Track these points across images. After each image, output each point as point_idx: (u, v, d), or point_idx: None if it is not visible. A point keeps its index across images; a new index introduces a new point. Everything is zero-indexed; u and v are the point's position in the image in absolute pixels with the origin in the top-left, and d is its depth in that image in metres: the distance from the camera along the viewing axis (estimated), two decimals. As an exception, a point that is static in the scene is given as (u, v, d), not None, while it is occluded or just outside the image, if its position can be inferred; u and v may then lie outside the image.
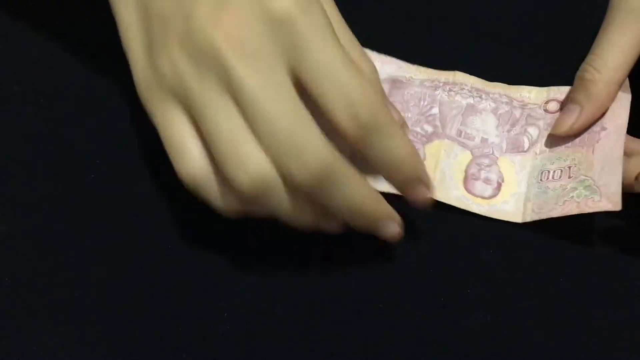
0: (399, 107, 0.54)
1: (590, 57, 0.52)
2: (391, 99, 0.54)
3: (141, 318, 0.49)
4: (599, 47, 0.51)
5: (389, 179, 0.47)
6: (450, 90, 0.55)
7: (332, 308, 0.49)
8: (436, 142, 0.54)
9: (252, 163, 0.43)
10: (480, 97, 0.55)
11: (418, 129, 0.54)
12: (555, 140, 0.53)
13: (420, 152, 0.53)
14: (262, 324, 0.49)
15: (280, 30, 0.43)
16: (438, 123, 0.54)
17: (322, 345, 0.48)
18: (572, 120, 0.51)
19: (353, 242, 0.51)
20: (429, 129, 0.54)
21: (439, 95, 0.55)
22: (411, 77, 0.56)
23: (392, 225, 0.47)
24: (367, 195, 0.45)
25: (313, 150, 0.43)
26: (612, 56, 0.51)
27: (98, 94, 0.56)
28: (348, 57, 0.44)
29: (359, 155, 0.45)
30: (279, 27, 0.43)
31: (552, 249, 0.51)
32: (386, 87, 0.55)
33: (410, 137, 0.54)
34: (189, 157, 0.45)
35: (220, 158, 0.44)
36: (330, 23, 0.44)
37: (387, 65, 0.56)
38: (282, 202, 0.45)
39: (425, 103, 0.55)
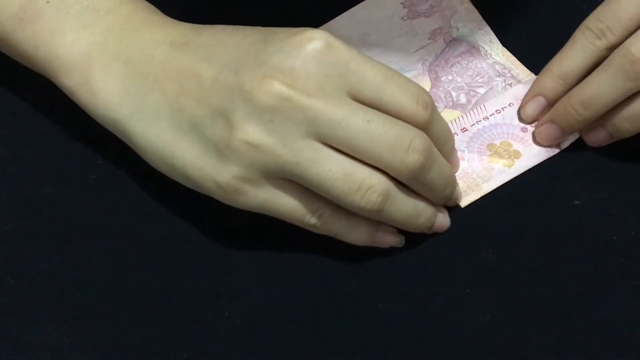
0: (457, 67, 0.56)
1: None
2: (458, 59, 0.56)
3: (141, 318, 0.49)
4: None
5: (434, 200, 0.50)
6: (509, 84, 0.56)
7: (332, 308, 0.49)
8: (455, 112, 0.55)
9: (373, 183, 0.46)
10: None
11: (454, 94, 0.55)
12: None
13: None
14: (262, 324, 0.49)
15: (335, 67, 0.46)
16: (473, 101, 0.55)
17: (322, 345, 0.48)
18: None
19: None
20: (463, 99, 0.55)
21: (496, 82, 0.56)
22: (490, 54, 0.57)
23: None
24: (449, 166, 0.50)
25: (414, 137, 0.46)
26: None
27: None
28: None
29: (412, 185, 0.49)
30: (334, 66, 0.46)
31: (552, 249, 0.51)
32: (463, 47, 0.57)
33: (441, 94, 0.55)
34: (315, 206, 0.47)
35: (341, 196, 0.46)
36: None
37: (481, 32, 0.57)
38: (402, 205, 0.48)
39: (480, 80, 0.56)
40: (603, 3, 0.52)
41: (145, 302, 0.49)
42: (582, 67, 0.53)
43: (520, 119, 0.55)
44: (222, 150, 0.46)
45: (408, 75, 0.56)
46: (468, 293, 0.49)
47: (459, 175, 0.53)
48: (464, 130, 0.54)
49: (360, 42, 0.56)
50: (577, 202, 0.52)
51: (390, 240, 0.50)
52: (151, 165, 0.49)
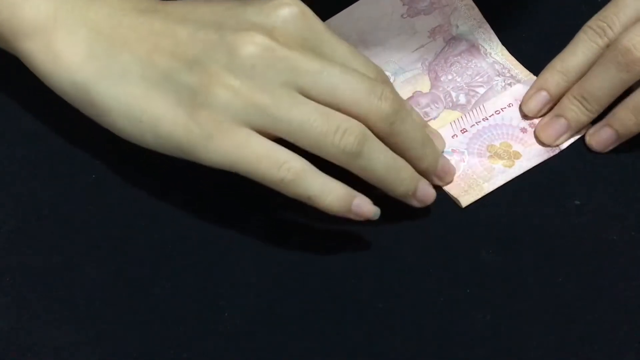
0: (457, 67, 0.56)
1: None
2: (458, 58, 0.56)
3: (141, 318, 0.49)
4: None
5: (415, 162, 0.50)
6: (509, 84, 0.56)
7: (332, 308, 0.49)
8: (455, 113, 0.55)
9: (351, 125, 0.47)
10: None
11: (453, 94, 0.55)
12: None
13: (436, 113, 0.55)
14: (262, 323, 0.49)
15: (311, 32, 0.48)
16: (473, 101, 0.55)
17: (322, 345, 0.48)
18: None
19: (353, 242, 0.51)
20: (462, 100, 0.55)
21: (495, 82, 0.56)
22: (489, 53, 0.57)
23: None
24: (424, 124, 0.52)
25: (386, 91, 0.48)
26: None
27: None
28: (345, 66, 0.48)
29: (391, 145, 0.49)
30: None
31: (552, 249, 0.51)
32: (463, 46, 0.57)
33: (440, 95, 0.55)
34: (285, 158, 0.47)
35: (320, 138, 0.47)
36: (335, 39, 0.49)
37: (480, 30, 0.57)
38: (380, 152, 0.48)
39: (479, 79, 0.56)
40: (606, 5, 0.54)
41: (145, 302, 0.49)
42: (584, 64, 0.54)
43: (520, 119, 0.55)
44: (197, 96, 0.46)
45: (408, 75, 0.56)
46: (468, 293, 0.49)
47: (459, 175, 0.53)
48: (463, 131, 0.54)
49: (358, 41, 0.56)
50: (577, 202, 0.52)
51: (367, 209, 0.48)
52: (115, 128, 0.48)
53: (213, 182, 0.53)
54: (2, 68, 0.56)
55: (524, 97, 0.55)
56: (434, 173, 0.52)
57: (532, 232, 0.51)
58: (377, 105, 0.47)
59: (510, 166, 0.53)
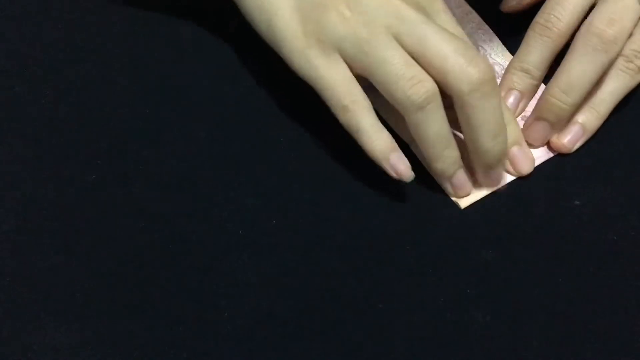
0: None
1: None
2: None
3: (141, 318, 0.49)
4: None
5: (481, 145, 0.51)
6: None
7: (332, 308, 0.49)
8: None
9: (426, 79, 0.49)
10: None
11: None
12: None
13: None
14: (262, 324, 0.49)
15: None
16: None
17: (322, 345, 0.48)
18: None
19: (353, 242, 0.51)
20: None
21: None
22: (489, 54, 0.57)
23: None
24: (506, 109, 0.53)
25: (479, 61, 0.49)
26: None
27: (98, 94, 0.56)
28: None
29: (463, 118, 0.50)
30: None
31: (552, 249, 0.51)
32: None
33: None
34: (355, 91, 0.51)
35: (394, 79, 0.49)
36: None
37: (480, 32, 0.58)
38: (440, 118, 0.50)
39: None
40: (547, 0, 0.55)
41: (145, 302, 0.49)
42: (540, 60, 0.54)
43: (521, 120, 0.55)
44: (314, 10, 0.51)
45: None
46: (468, 293, 0.50)
47: None
48: None
49: None
50: (577, 202, 0.52)
51: (403, 167, 0.51)
52: (240, 4, 0.54)
53: (213, 181, 0.53)
54: (2, 67, 0.56)
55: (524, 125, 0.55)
56: (486, 172, 0.52)
57: (532, 232, 0.51)
58: (462, 66, 0.49)
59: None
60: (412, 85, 0.49)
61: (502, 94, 0.55)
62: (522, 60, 0.55)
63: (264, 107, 0.56)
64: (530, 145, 0.54)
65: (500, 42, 0.57)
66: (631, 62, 0.53)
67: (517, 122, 0.54)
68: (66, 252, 0.51)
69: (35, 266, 0.50)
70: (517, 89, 0.55)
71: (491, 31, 0.57)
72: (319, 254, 0.51)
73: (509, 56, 0.57)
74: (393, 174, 0.51)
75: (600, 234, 0.51)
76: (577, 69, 0.52)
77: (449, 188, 0.52)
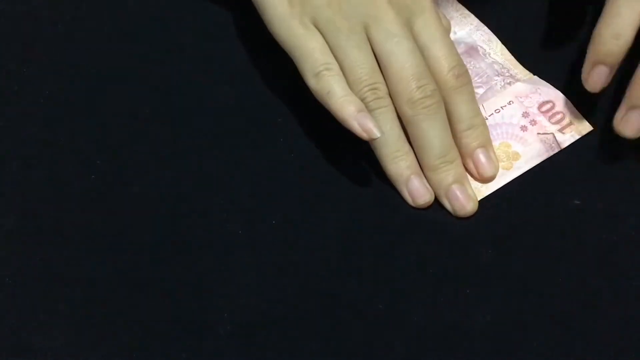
0: None
1: None
2: None
3: (141, 318, 0.49)
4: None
5: (462, 137, 0.53)
6: (508, 83, 0.56)
7: (332, 308, 0.49)
8: None
9: (378, 86, 0.52)
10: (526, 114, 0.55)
11: None
12: None
13: None
14: (262, 324, 0.49)
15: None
16: None
17: (322, 345, 0.48)
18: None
19: (353, 242, 0.51)
20: None
21: (495, 82, 0.56)
22: (488, 54, 0.57)
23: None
24: (447, 135, 0.53)
25: (423, 82, 0.52)
26: None
27: (98, 95, 0.56)
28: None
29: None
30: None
31: (552, 249, 0.51)
32: (461, 48, 0.57)
33: None
34: (330, 62, 0.52)
35: (355, 80, 0.52)
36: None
37: (478, 32, 0.57)
38: (391, 119, 0.52)
39: (479, 80, 0.56)
40: None
41: (145, 302, 0.49)
42: (632, 22, 0.51)
43: (521, 117, 0.55)
44: None
45: None
46: (468, 293, 0.49)
47: None
48: None
49: None
50: (577, 202, 0.52)
51: (370, 125, 0.51)
52: None
53: (213, 181, 0.53)
54: (2, 67, 0.56)
55: (581, 75, 0.53)
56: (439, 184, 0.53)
57: (532, 232, 0.51)
58: (409, 89, 0.52)
59: (508, 168, 0.53)
60: (369, 90, 0.52)
61: (588, 67, 0.52)
62: (611, 25, 0.51)
63: (263, 106, 0.56)
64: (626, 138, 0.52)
65: (499, 42, 0.57)
66: None
67: (485, 125, 0.54)
68: (66, 252, 0.51)
69: (35, 266, 0.50)
70: (604, 62, 0.52)
71: (490, 31, 0.57)
72: (319, 254, 0.51)
73: (509, 55, 0.57)
74: (362, 133, 0.51)
75: (600, 234, 0.51)
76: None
77: (406, 194, 0.52)
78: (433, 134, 0.52)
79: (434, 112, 0.52)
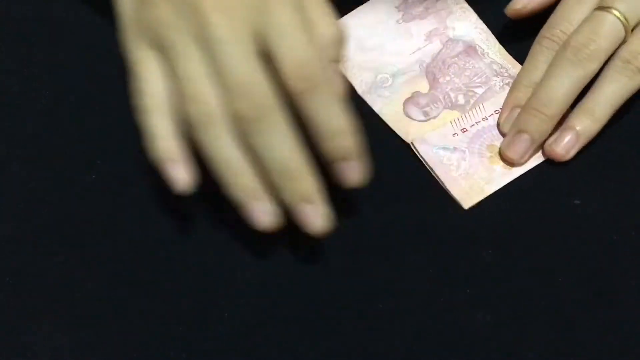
0: (455, 68, 0.56)
1: None
2: (455, 59, 0.56)
3: (141, 318, 0.49)
4: None
5: (323, 146, 0.48)
6: (507, 84, 0.56)
7: (332, 308, 0.49)
8: (455, 113, 0.55)
9: (203, 97, 0.47)
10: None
11: (451, 95, 0.55)
12: None
13: (436, 113, 0.55)
14: (262, 324, 0.49)
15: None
16: (471, 102, 0.55)
17: (322, 345, 0.48)
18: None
19: (353, 242, 0.51)
20: (461, 100, 0.55)
21: (493, 82, 0.56)
22: (487, 53, 0.57)
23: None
24: (292, 149, 0.48)
25: (256, 89, 0.47)
26: None
27: (98, 95, 0.56)
28: (303, 21, 0.48)
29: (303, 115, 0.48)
30: None
31: (552, 249, 0.51)
32: (459, 47, 0.57)
33: (439, 95, 0.55)
34: (152, 86, 0.49)
35: (179, 91, 0.48)
36: None
37: (477, 30, 0.57)
38: (218, 138, 0.48)
39: (477, 80, 0.56)
40: (553, 13, 0.55)
41: (145, 303, 0.49)
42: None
43: None
44: (144, 6, 0.49)
45: (405, 76, 0.56)
46: (468, 293, 0.50)
47: (460, 174, 0.53)
48: (464, 130, 0.54)
49: (356, 47, 0.56)
50: (577, 202, 0.52)
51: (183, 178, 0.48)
52: None
53: (213, 181, 0.53)
54: (2, 67, 0.56)
55: (497, 119, 0.55)
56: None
57: (532, 232, 0.51)
58: (229, 99, 0.47)
59: (510, 167, 0.53)
60: (189, 104, 0.48)
61: (508, 110, 0.54)
62: (530, 76, 0.54)
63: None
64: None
65: (497, 41, 0.57)
66: (629, 62, 0.53)
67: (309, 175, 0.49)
68: (66, 252, 0.51)
69: (35, 266, 0.50)
70: (521, 107, 0.54)
71: (488, 30, 0.57)
72: (319, 254, 0.51)
73: (506, 55, 0.57)
74: (174, 184, 0.48)
75: (600, 234, 0.51)
76: (556, 83, 0.52)
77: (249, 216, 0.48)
78: (276, 143, 0.48)
79: (269, 123, 0.47)
